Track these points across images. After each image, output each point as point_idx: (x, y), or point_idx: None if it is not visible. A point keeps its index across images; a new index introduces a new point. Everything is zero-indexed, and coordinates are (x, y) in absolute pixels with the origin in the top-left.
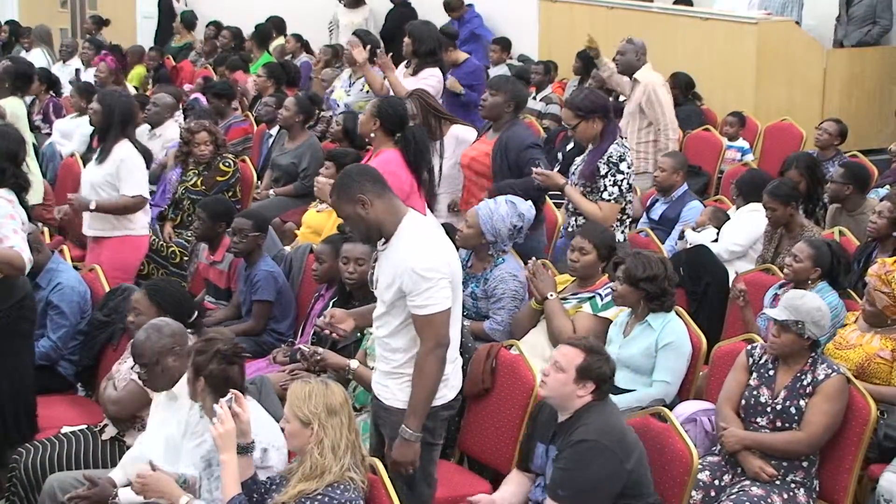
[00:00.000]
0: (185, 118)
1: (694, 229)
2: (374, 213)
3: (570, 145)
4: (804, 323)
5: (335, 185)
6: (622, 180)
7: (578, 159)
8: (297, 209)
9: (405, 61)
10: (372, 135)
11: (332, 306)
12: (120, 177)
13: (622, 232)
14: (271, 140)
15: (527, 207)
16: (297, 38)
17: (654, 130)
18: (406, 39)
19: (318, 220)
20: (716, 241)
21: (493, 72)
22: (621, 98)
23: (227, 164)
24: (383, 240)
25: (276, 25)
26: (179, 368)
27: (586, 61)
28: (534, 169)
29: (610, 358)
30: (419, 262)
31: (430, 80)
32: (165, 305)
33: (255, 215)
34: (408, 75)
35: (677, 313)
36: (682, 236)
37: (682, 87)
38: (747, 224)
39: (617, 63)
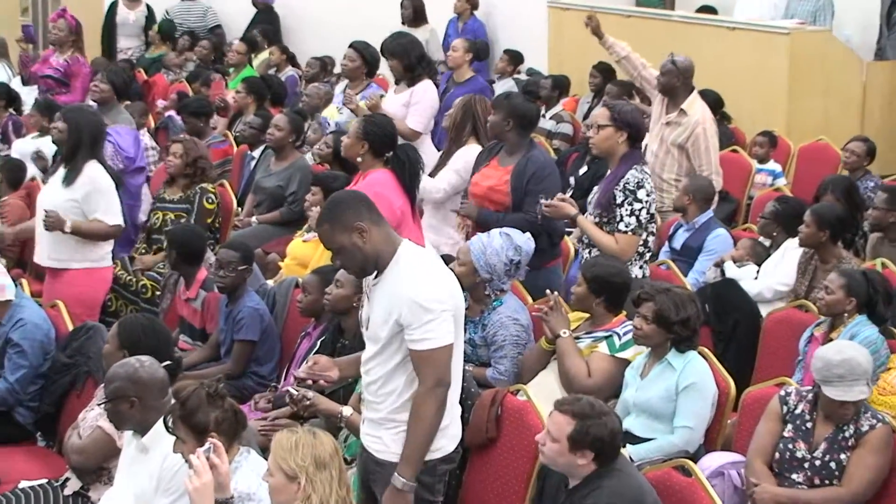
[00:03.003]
0: (156, 137)
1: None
2: (371, 243)
3: (584, 168)
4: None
5: (325, 213)
6: (640, 210)
7: (598, 188)
8: (281, 238)
9: (395, 82)
10: (359, 158)
11: (321, 346)
12: (91, 203)
13: (641, 267)
14: (254, 163)
15: (524, 240)
16: (283, 49)
17: (691, 167)
18: (390, 62)
19: (305, 251)
20: (756, 278)
21: (499, 87)
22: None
23: (209, 199)
24: (375, 273)
25: (265, 34)
26: (152, 414)
27: (605, 75)
28: (541, 200)
29: (611, 416)
30: (420, 292)
31: (425, 98)
32: (140, 347)
33: (242, 246)
34: (399, 92)
35: (701, 353)
36: (721, 270)
37: (710, 107)
38: (795, 261)
39: (658, 84)
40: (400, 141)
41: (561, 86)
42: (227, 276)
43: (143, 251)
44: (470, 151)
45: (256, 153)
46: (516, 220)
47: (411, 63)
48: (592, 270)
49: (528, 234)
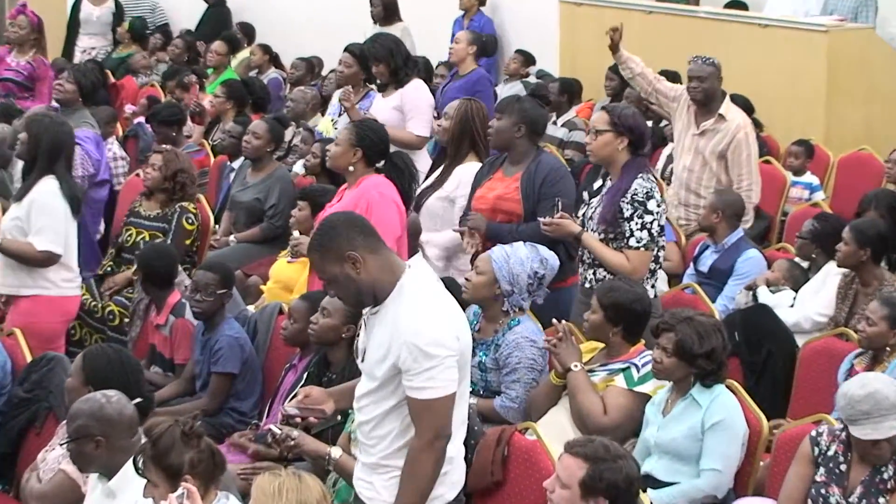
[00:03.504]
0: (125, 146)
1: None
2: (367, 274)
3: (599, 182)
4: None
5: (315, 241)
6: (652, 222)
7: (595, 201)
8: (262, 259)
9: (379, 87)
10: (351, 168)
11: (307, 379)
12: (30, 221)
13: (653, 286)
14: (233, 175)
15: (551, 254)
16: (265, 49)
17: (731, 185)
18: (375, 68)
19: (290, 274)
20: (792, 305)
21: (505, 90)
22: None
23: (189, 219)
24: (374, 304)
25: (245, 32)
26: (119, 455)
27: (623, 78)
28: (539, 219)
29: (627, 459)
30: (422, 335)
31: (420, 99)
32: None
33: (220, 268)
34: (388, 95)
35: (730, 388)
36: (753, 294)
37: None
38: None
39: (693, 95)
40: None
41: (570, 90)
42: (204, 301)
43: (110, 269)
44: (469, 171)
45: (236, 164)
46: (534, 230)
47: (398, 66)
48: (610, 296)
49: (552, 252)
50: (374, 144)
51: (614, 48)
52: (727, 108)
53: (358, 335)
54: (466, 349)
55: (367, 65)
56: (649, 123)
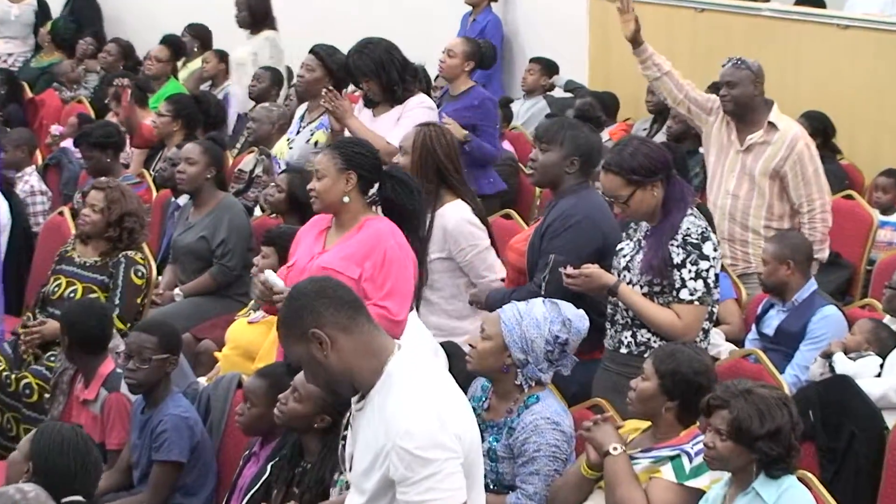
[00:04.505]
0: (45, 176)
1: (845, 352)
2: (338, 358)
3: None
4: None
5: (281, 313)
6: (708, 269)
7: (626, 246)
8: (216, 318)
9: (363, 101)
10: (346, 199)
11: (271, 471)
12: None
13: (705, 349)
14: (178, 211)
15: (577, 314)
16: (221, 56)
17: (792, 211)
18: (364, 85)
19: (251, 337)
20: (879, 374)
21: (524, 110)
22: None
23: (139, 272)
24: (359, 396)
25: (197, 35)
26: None
27: None
28: (563, 272)
29: None
30: (414, 436)
31: (418, 112)
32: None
33: (161, 328)
34: (381, 113)
35: (802, 480)
36: (829, 362)
37: (818, 134)
38: None
39: (724, 105)
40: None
41: (606, 107)
42: (139, 370)
43: (28, 319)
44: (454, 217)
45: (183, 200)
46: (521, 295)
47: (391, 80)
48: (670, 363)
49: (581, 311)
50: (368, 164)
51: (634, 38)
52: (778, 115)
53: (344, 436)
54: (473, 449)
55: (335, 71)
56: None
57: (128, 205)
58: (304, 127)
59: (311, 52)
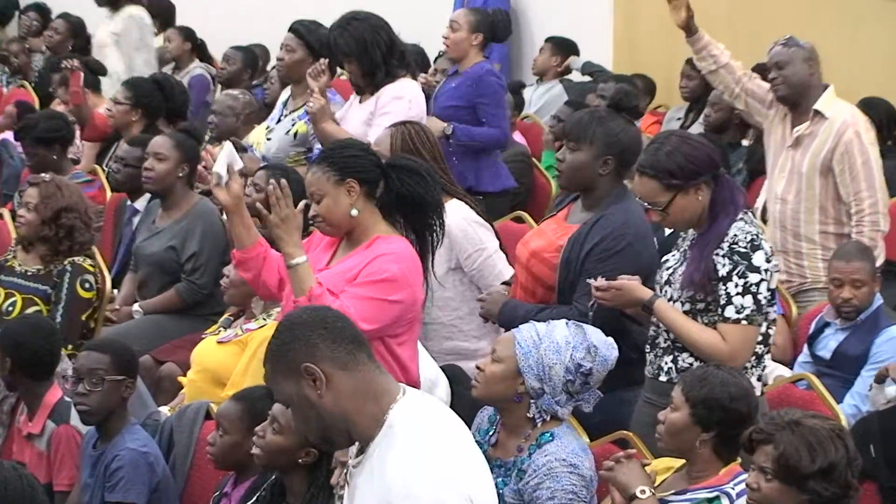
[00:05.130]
0: None
1: None
2: (333, 399)
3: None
4: None
5: (269, 346)
6: (759, 283)
7: (671, 257)
8: (181, 338)
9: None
10: (354, 211)
11: None
12: None
13: (759, 378)
14: (137, 218)
15: (604, 341)
16: (186, 35)
17: (845, 210)
18: (346, 66)
19: (221, 359)
20: None
21: (537, 95)
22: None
23: (86, 284)
24: (357, 448)
25: (159, 11)
26: None
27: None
28: (591, 282)
29: None
30: (417, 501)
31: (396, 106)
32: None
33: (114, 347)
34: (365, 100)
35: None
36: (881, 386)
37: (882, 123)
38: None
39: (775, 89)
40: None
41: (634, 92)
42: (93, 393)
43: None
44: (455, 218)
45: (141, 203)
46: (553, 318)
47: (374, 63)
48: (702, 389)
49: (610, 339)
50: (365, 163)
51: (686, 26)
52: (827, 102)
53: (342, 487)
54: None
55: (320, 50)
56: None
57: (64, 199)
58: (285, 115)
59: (290, 30)
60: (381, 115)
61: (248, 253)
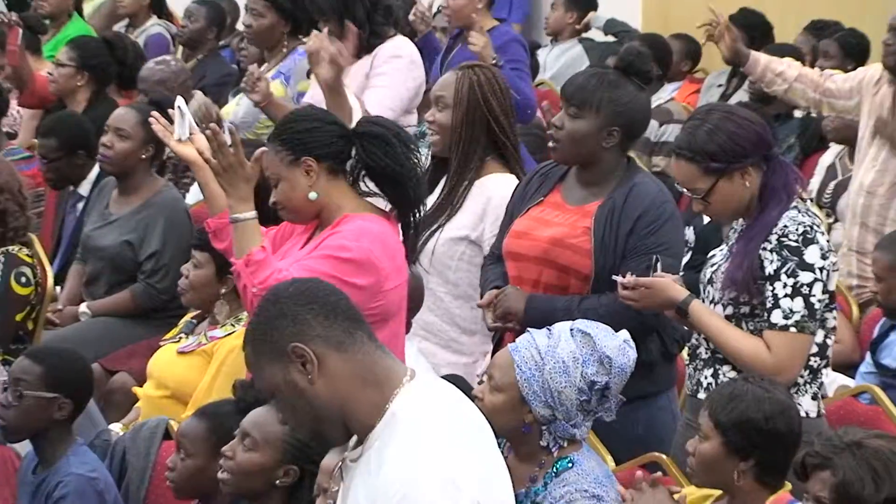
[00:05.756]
0: None
1: None
2: (327, 385)
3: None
4: None
5: (250, 325)
6: (811, 284)
7: (718, 252)
8: (136, 345)
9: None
10: (312, 195)
11: None
12: None
13: (815, 397)
14: (82, 204)
15: (616, 345)
16: None
17: None
18: (323, 25)
19: (182, 372)
20: None
21: (553, 58)
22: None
23: (22, 278)
24: (354, 441)
25: None
26: None
27: (750, 34)
28: (617, 278)
29: None
30: (423, 499)
31: (395, 65)
32: None
33: (53, 356)
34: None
35: None
36: None
37: None
38: None
39: (888, 56)
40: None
41: (659, 56)
42: (11, 408)
43: None
44: (498, 188)
45: (86, 188)
46: (610, 309)
47: (358, 20)
48: (732, 411)
49: (623, 335)
50: (323, 138)
51: (737, 55)
52: None
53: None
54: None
55: (289, 12)
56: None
57: None
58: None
59: None
60: (376, 75)
61: (222, 218)
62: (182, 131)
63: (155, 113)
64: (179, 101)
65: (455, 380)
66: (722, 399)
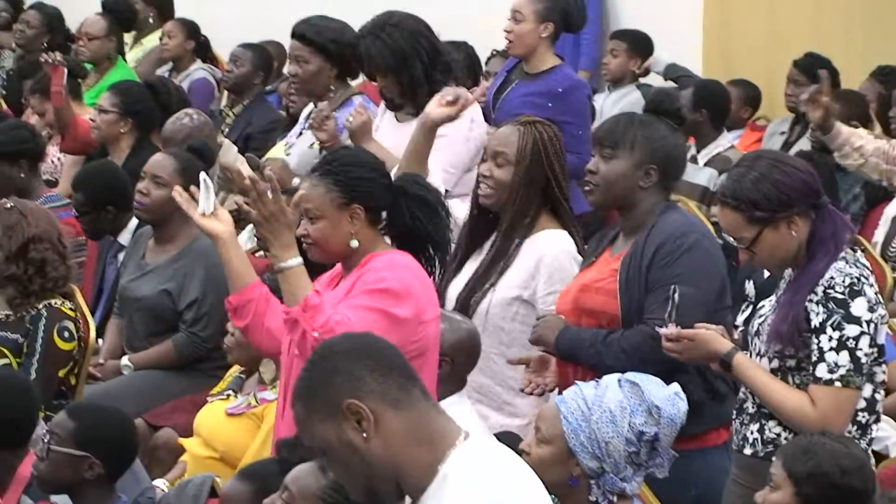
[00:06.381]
0: None
1: None
2: (382, 443)
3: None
4: None
5: (300, 381)
6: (859, 337)
7: (767, 303)
8: (179, 399)
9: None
10: (354, 242)
11: None
12: None
13: (864, 451)
14: (122, 254)
15: (666, 395)
16: (189, 30)
17: None
18: (379, 81)
19: (231, 434)
20: None
21: (609, 103)
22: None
23: (65, 333)
24: (408, 501)
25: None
26: None
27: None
28: (658, 329)
29: None
30: None
31: (455, 133)
32: None
33: (88, 414)
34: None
35: None
36: None
37: None
38: None
39: None
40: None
41: (716, 102)
42: (40, 462)
43: None
44: (554, 245)
45: (126, 237)
46: (631, 342)
47: (414, 77)
48: (807, 463)
49: (674, 387)
50: (376, 188)
51: (824, 123)
52: None
53: None
54: None
55: (338, 53)
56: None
57: (31, 228)
58: (307, 128)
59: (294, 36)
60: (436, 136)
61: (243, 295)
62: (206, 205)
63: (178, 187)
64: (203, 175)
65: (508, 437)
66: (798, 450)
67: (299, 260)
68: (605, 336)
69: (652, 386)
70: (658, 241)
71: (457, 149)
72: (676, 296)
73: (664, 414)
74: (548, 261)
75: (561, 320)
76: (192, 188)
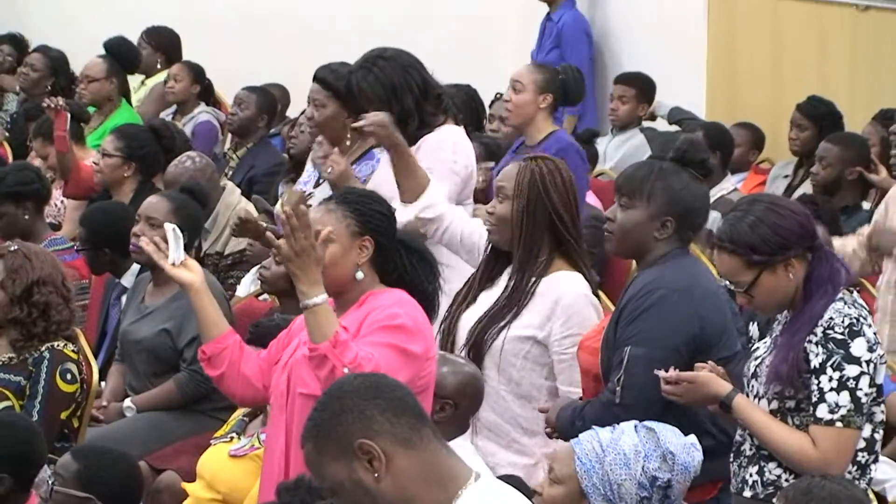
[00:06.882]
0: None
1: None
2: (393, 484)
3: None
4: None
5: (310, 420)
6: (859, 377)
7: (762, 345)
8: (182, 442)
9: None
10: (359, 274)
11: None
12: None
13: (866, 489)
14: (125, 297)
15: (682, 444)
16: (194, 73)
17: None
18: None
19: (234, 476)
20: None
21: (612, 147)
22: None
23: (68, 375)
24: None
25: (158, 41)
26: None
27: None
28: (659, 373)
29: None
30: None
31: (440, 154)
32: None
33: (92, 457)
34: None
35: None
36: None
37: None
38: None
39: None
40: None
41: (722, 144)
42: (53, 502)
43: None
44: (564, 287)
45: (129, 279)
46: (591, 414)
47: (406, 109)
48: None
49: (691, 437)
50: (387, 227)
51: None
52: None
53: None
54: None
55: (356, 105)
56: None
57: (36, 271)
58: (324, 179)
59: (316, 79)
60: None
61: (218, 343)
62: (176, 255)
63: (144, 238)
64: (168, 226)
65: (513, 481)
66: (798, 493)
67: (325, 296)
68: (582, 408)
69: (668, 433)
70: (626, 298)
71: (444, 177)
72: (626, 355)
73: (678, 461)
74: (565, 302)
75: (568, 399)
76: (157, 239)
